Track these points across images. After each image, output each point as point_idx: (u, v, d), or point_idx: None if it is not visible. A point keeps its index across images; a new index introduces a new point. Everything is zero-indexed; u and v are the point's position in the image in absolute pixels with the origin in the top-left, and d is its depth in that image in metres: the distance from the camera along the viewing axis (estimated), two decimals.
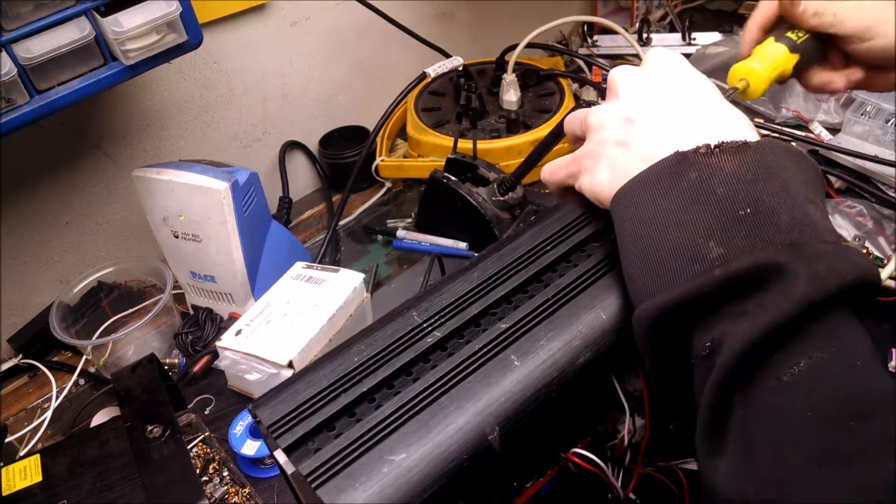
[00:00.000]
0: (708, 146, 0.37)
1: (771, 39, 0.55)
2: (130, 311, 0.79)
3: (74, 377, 0.75)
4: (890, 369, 0.62)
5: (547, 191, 0.93)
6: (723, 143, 0.37)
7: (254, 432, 0.62)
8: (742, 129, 0.39)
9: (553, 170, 0.47)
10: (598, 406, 0.45)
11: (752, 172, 0.36)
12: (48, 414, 0.72)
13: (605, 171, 0.41)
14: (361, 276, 0.72)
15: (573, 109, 0.73)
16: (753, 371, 0.31)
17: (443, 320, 0.40)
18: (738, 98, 0.55)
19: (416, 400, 0.36)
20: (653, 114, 0.40)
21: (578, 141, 0.46)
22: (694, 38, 1.15)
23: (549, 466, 0.44)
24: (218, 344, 0.67)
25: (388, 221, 0.95)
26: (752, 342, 0.31)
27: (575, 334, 0.39)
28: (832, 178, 0.85)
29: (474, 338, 0.39)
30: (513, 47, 1.00)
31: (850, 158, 0.84)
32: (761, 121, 0.97)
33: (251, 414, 0.37)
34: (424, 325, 0.40)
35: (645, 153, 0.39)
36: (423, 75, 0.95)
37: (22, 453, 0.68)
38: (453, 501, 0.35)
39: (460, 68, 0.98)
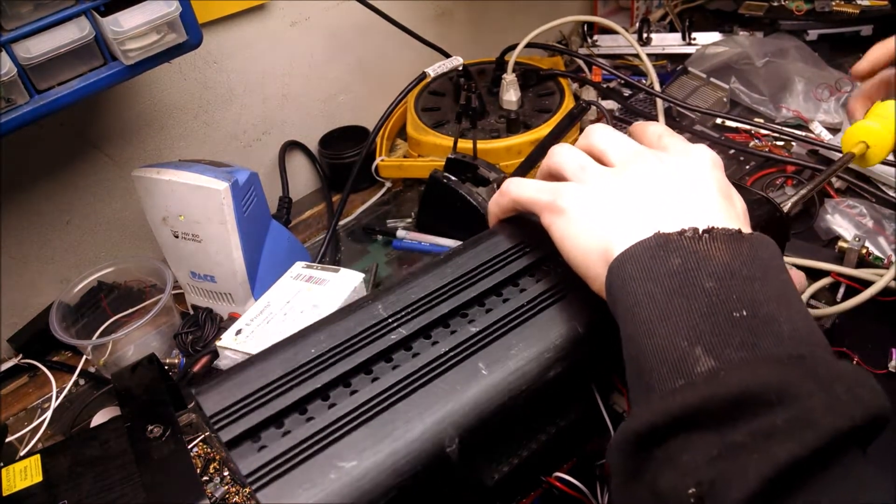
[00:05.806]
0: (695, 230, 0.32)
1: (890, 102, 0.50)
2: (130, 311, 0.79)
3: (74, 377, 0.75)
4: (890, 369, 0.62)
5: None
6: (713, 228, 0.32)
7: None
8: (736, 218, 0.34)
9: (521, 188, 0.40)
10: (582, 426, 0.42)
11: (747, 268, 0.30)
12: (48, 414, 0.72)
13: (582, 224, 0.36)
14: (361, 275, 0.72)
15: (573, 109, 0.74)
16: None
17: (409, 317, 0.37)
18: (855, 165, 0.49)
19: (373, 402, 0.34)
20: (645, 186, 0.36)
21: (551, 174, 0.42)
22: (694, 38, 1.15)
23: (532, 489, 0.42)
24: (218, 344, 0.67)
25: (388, 221, 0.95)
26: (765, 484, 0.24)
27: (548, 345, 0.36)
28: (832, 178, 0.85)
29: (441, 339, 0.37)
30: (513, 47, 1.00)
31: None
32: (761, 121, 0.97)
33: (195, 400, 0.34)
34: (389, 321, 0.37)
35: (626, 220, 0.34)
36: (423, 75, 0.95)
37: (22, 453, 0.68)
38: None
39: (460, 68, 0.98)
